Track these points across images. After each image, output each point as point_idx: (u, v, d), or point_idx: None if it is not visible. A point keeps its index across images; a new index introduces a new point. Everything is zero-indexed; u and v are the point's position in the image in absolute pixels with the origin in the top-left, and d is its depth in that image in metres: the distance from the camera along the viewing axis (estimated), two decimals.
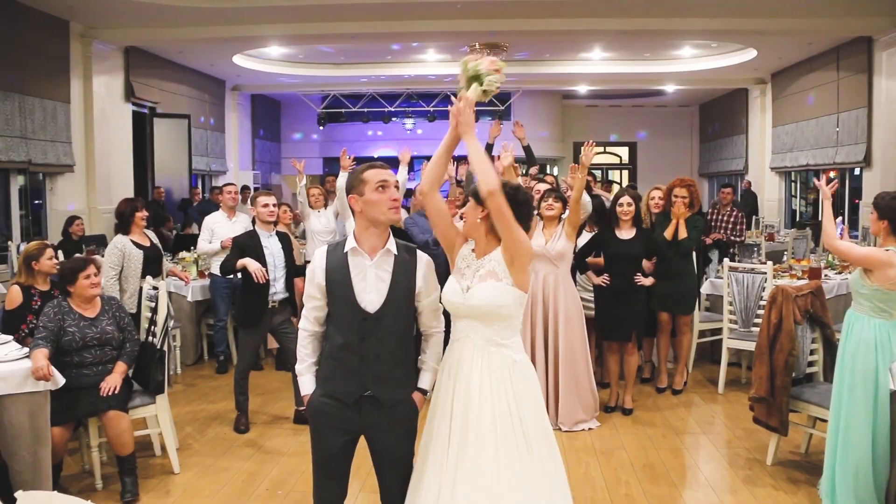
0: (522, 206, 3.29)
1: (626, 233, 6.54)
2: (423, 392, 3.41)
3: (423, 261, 3.33)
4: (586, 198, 6.51)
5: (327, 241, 7.46)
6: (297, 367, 3.37)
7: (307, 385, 3.32)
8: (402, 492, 3.34)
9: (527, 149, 7.96)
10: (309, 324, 3.32)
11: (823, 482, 4.61)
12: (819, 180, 4.77)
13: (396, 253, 3.25)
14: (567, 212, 6.20)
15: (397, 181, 3.33)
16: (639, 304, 6.54)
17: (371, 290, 3.20)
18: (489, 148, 7.43)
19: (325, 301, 3.26)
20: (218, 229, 7.90)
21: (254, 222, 6.40)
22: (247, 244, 6.18)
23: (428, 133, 20.99)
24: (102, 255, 7.62)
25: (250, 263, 6.00)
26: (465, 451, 3.11)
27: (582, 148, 6.16)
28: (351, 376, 3.21)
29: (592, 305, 6.86)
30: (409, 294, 3.28)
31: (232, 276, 6.52)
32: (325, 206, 8.70)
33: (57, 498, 3.17)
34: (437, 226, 3.40)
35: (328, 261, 3.23)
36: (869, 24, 11.95)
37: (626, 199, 6.57)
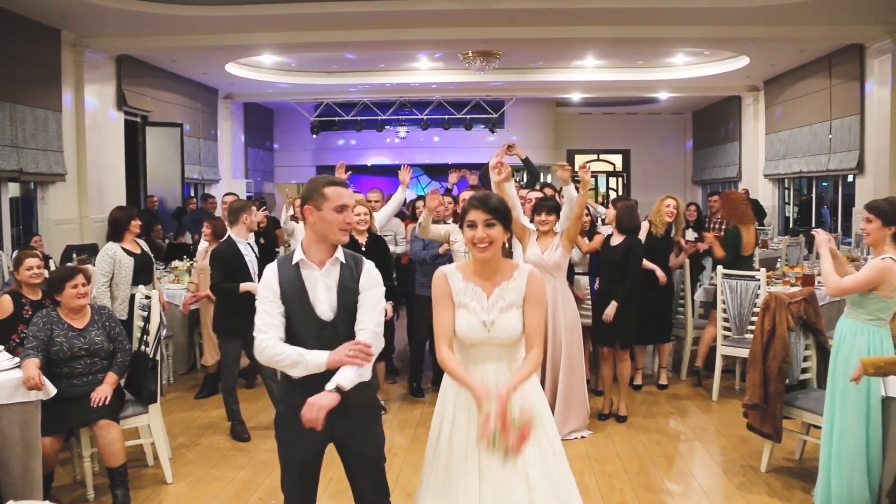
0: (506, 213, 3.29)
1: (615, 238, 6.61)
2: (332, 389, 3.08)
3: (366, 266, 3.32)
4: (582, 242, 6.81)
5: None
6: (289, 358, 3.14)
7: (318, 356, 3.11)
8: (377, 496, 3.39)
9: (526, 161, 7.94)
10: (274, 331, 3.20)
11: (818, 489, 4.60)
12: (818, 233, 4.64)
13: (343, 261, 3.28)
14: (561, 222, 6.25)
15: (358, 202, 3.32)
16: (630, 310, 6.52)
17: (322, 299, 3.22)
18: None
19: (283, 311, 3.23)
20: None
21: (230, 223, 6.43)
22: (229, 254, 6.19)
23: (422, 142, 20.98)
24: (93, 265, 7.59)
25: (255, 288, 6.02)
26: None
27: (578, 170, 6.18)
28: (315, 385, 3.13)
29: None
30: (356, 299, 3.27)
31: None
32: None
33: None
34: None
35: (280, 274, 3.24)
36: (861, 32, 11.99)
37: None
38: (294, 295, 3.21)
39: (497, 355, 3.30)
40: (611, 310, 6.40)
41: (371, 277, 3.31)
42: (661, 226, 7.31)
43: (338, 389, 3.07)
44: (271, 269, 3.27)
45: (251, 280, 6.17)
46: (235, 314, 6.12)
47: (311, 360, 3.12)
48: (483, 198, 3.28)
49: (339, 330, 3.21)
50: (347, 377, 3.11)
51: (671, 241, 7.32)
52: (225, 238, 6.40)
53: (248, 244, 6.40)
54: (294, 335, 3.22)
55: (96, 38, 11.98)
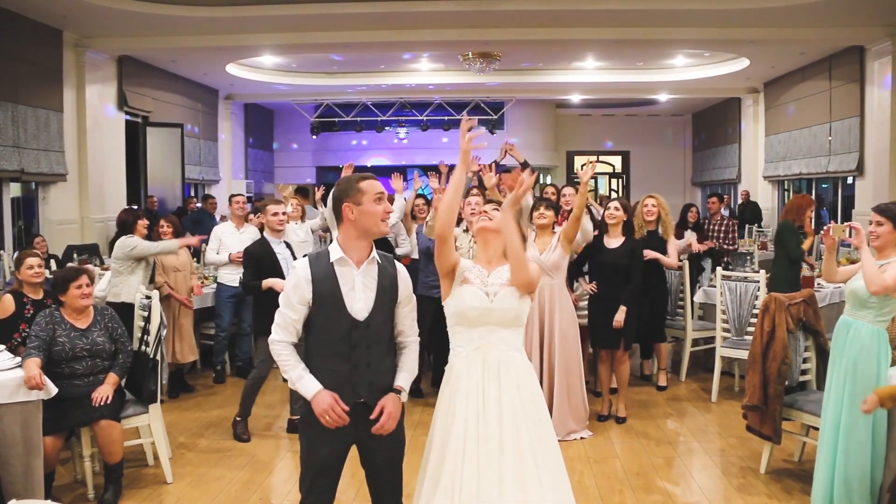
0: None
1: (613, 241, 6.53)
2: (398, 392, 3.32)
3: (402, 270, 3.42)
4: (588, 224, 6.62)
5: (304, 254, 7.46)
6: (290, 373, 3.28)
7: (311, 384, 3.22)
8: (393, 496, 3.41)
9: (524, 164, 7.95)
10: (288, 335, 3.30)
11: (816, 490, 4.58)
12: (857, 227, 4.44)
13: (380, 262, 3.33)
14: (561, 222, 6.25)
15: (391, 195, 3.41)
16: (630, 312, 6.49)
17: (359, 298, 3.24)
18: (497, 166, 7.48)
19: (307, 313, 3.27)
20: (226, 240, 7.89)
21: (261, 229, 6.46)
22: (261, 253, 6.20)
23: (420, 142, 20.97)
24: (94, 265, 7.62)
25: (277, 284, 6.02)
26: (504, 454, 3.23)
27: (582, 166, 6.18)
28: (343, 385, 3.22)
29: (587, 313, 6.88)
30: (393, 301, 3.34)
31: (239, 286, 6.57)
32: (302, 219, 8.65)
33: None
34: (444, 257, 3.44)
35: (313, 271, 3.24)
36: (861, 34, 12.00)
37: (614, 203, 6.59)
38: (327, 293, 3.22)
39: (499, 338, 3.38)
40: (620, 315, 6.34)
41: (408, 285, 3.43)
42: (638, 228, 7.27)
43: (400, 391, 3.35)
44: (302, 268, 3.27)
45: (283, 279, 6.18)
46: (272, 313, 6.16)
47: (301, 387, 3.25)
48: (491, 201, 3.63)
49: (371, 330, 3.25)
50: (407, 380, 3.39)
51: (661, 242, 7.25)
52: (259, 238, 6.45)
53: (284, 242, 6.42)
54: (323, 334, 3.25)
55: (97, 39, 12.01)
